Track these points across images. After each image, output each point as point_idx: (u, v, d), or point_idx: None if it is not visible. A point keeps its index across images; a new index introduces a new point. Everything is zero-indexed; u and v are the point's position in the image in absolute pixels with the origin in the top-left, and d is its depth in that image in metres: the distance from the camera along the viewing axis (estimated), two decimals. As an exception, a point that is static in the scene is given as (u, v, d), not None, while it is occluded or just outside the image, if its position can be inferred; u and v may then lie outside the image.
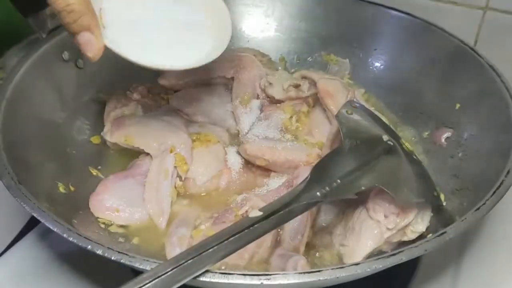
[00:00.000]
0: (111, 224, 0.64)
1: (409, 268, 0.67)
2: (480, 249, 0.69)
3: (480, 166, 0.64)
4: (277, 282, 0.45)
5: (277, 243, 0.62)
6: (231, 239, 0.47)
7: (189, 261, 0.45)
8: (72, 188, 0.66)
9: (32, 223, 0.73)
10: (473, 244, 0.70)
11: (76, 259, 0.67)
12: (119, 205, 0.65)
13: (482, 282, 0.66)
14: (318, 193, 0.53)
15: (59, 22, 0.74)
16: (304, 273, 0.46)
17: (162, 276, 0.43)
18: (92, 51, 0.54)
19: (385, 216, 0.59)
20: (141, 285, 0.43)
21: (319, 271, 0.46)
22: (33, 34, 0.91)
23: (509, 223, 0.72)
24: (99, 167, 0.72)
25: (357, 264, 0.47)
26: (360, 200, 0.62)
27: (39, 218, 0.52)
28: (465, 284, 0.65)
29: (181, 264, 0.44)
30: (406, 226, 0.59)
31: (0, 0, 0.98)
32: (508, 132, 0.62)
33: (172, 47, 0.60)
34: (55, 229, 0.51)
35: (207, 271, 0.46)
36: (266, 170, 0.71)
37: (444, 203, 0.63)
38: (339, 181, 0.55)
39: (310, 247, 0.62)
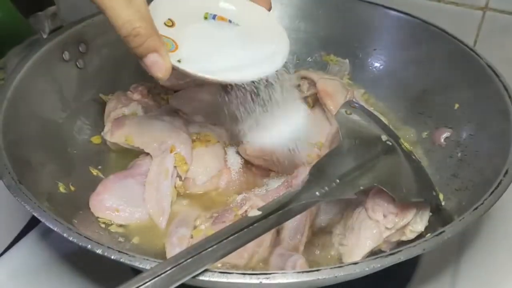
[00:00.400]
0: (111, 224, 0.64)
1: (408, 268, 0.67)
2: (479, 249, 0.70)
3: (479, 166, 0.65)
4: (276, 281, 0.46)
5: (276, 242, 0.62)
6: (230, 238, 0.47)
7: (188, 260, 0.45)
8: (72, 188, 0.66)
9: (32, 223, 0.73)
10: (472, 244, 0.70)
11: (77, 259, 0.68)
12: (119, 205, 0.65)
13: (481, 282, 0.66)
14: (317, 193, 0.53)
15: (60, 22, 0.76)
16: (302, 272, 0.46)
17: (162, 275, 0.43)
18: (161, 72, 0.54)
19: (384, 216, 0.59)
20: (141, 284, 0.43)
21: (317, 270, 0.46)
22: (34, 34, 0.92)
23: (509, 222, 0.73)
24: (100, 167, 0.72)
25: (355, 263, 0.47)
26: (359, 200, 0.62)
27: (39, 217, 0.52)
28: (464, 284, 0.66)
29: (180, 263, 0.44)
30: (405, 225, 0.59)
31: (1, 1, 0.98)
32: (507, 132, 0.62)
33: (237, 60, 0.61)
34: (55, 229, 0.51)
35: (206, 270, 0.46)
36: (266, 170, 0.72)
37: (443, 203, 0.63)
38: (338, 180, 0.55)
39: (309, 247, 0.63)
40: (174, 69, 0.56)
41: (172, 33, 0.61)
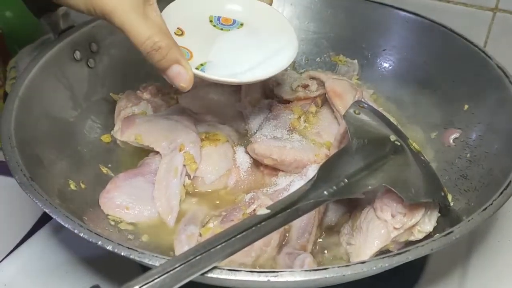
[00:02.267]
0: (121, 222, 0.65)
1: (416, 268, 0.67)
2: (488, 250, 0.70)
3: (488, 166, 0.64)
4: (284, 279, 0.46)
5: (284, 241, 0.62)
6: (238, 236, 0.47)
7: (197, 258, 0.45)
8: (83, 186, 0.67)
9: (43, 220, 0.74)
10: (480, 245, 0.70)
11: (87, 255, 0.68)
12: (129, 203, 0.66)
13: (489, 283, 0.66)
14: (325, 192, 0.53)
15: (71, 22, 0.77)
16: (310, 270, 0.46)
17: (171, 272, 0.44)
18: (185, 82, 0.56)
19: (393, 216, 0.59)
20: (150, 280, 0.43)
21: (325, 268, 0.46)
22: (45, 34, 0.93)
23: None
24: (110, 165, 0.73)
25: (363, 262, 0.47)
26: (367, 200, 0.62)
27: (51, 214, 0.53)
28: (472, 285, 0.65)
29: (189, 260, 0.45)
30: (413, 226, 0.59)
31: (14, 1, 1.00)
32: (516, 133, 0.62)
33: (249, 59, 0.64)
34: (66, 225, 0.51)
35: (215, 267, 0.46)
36: (274, 169, 0.72)
37: (452, 203, 0.63)
38: (346, 180, 0.55)
39: (317, 246, 0.63)
40: (195, 77, 0.58)
41: (184, 42, 0.62)
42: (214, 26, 0.67)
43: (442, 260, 0.68)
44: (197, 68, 0.60)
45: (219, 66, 0.62)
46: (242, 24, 0.67)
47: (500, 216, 0.73)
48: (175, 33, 0.63)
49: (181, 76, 0.55)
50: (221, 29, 0.67)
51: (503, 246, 0.70)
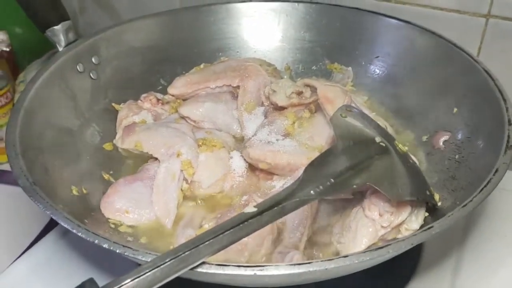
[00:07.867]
0: (121, 225, 0.67)
1: (413, 257, 0.71)
2: (480, 244, 0.73)
3: (474, 166, 0.66)
4: (269, 273, 0.48)
5: (278, 241, 0.64)
6: (226, 233, 0.50)
7: (186, 253, 0.47)
8: (85, 191, 0.69)
9: (50, 226, 0.77)
10: (473, 239, 0.74)
11: (93, 258, 0.72)
12: (129, 207, 0.69)
13: (482, 278, 0.69)
14: (311, 191, 0.55)
15: (75, 36, 0.80)
16: (294, 264, 0.48)
17: (161, 266, 0.46)
18: None
19: (380, 215, 0.61)
20: (142, 274, 0.45)
21: (309, 262, 0.48)
22: (52, 49, 0.97)
23: (506, 218, 0.76)
24: (111, 172, 0.76)
25: (345, 256, 0.49)
26: (357, 199, 0.64)
27: (52, 215, 0.55)
28: (466, 276, 0.68)
29: (179, 255, 0.47)
30: (401, 224, 0.61)
31: (23, 18, 1.04)
32: (499, 133, 0.63)
33: None
34: (65, 225, 0.54)
35: (203, 262, 0.48)
36: (270, 173, 0.74)
37: (439, 203, 0.65)
38: (332, 180, 0.56)
39: (310, 245, 0.65)
40: None
41: None
42: None
43: (439, 249, 0.72)
44: None
45: None
46: None
47: (492, 210, 0.76)
48: None
49: None
50: None
51: (494, 238, 0.73)
